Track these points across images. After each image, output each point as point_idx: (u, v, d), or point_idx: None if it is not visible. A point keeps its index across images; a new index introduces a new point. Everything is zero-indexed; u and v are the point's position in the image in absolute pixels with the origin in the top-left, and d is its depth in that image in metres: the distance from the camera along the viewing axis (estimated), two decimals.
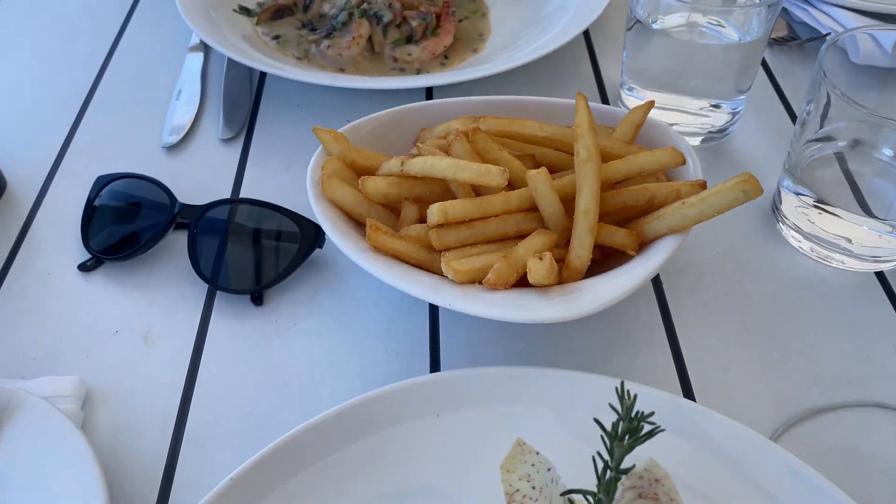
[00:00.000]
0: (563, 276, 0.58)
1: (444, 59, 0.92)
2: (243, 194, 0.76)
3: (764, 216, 0.73)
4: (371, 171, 0.66)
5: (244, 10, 0.94)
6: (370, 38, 0.90)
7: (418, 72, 0.89)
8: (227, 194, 0.76)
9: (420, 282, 0.56)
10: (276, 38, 0.91)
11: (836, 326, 0.64)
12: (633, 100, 0.82)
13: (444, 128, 0.69)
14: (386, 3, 0.91)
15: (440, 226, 0.59)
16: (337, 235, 0.59)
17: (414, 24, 0.91)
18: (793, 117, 0.84)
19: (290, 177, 0.78)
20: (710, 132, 0.80)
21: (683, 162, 0.61)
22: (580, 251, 0.57)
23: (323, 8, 0.92)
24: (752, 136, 0.82)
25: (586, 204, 0.58)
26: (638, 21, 0.77)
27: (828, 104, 0.65)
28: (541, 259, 0.54)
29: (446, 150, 0.65)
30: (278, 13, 0.93)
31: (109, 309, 0.67)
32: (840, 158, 0.72)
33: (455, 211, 0.58)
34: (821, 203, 0.67)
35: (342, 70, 0.88)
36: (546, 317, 0.52)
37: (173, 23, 0.96)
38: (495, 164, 0.63)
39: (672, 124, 0.79)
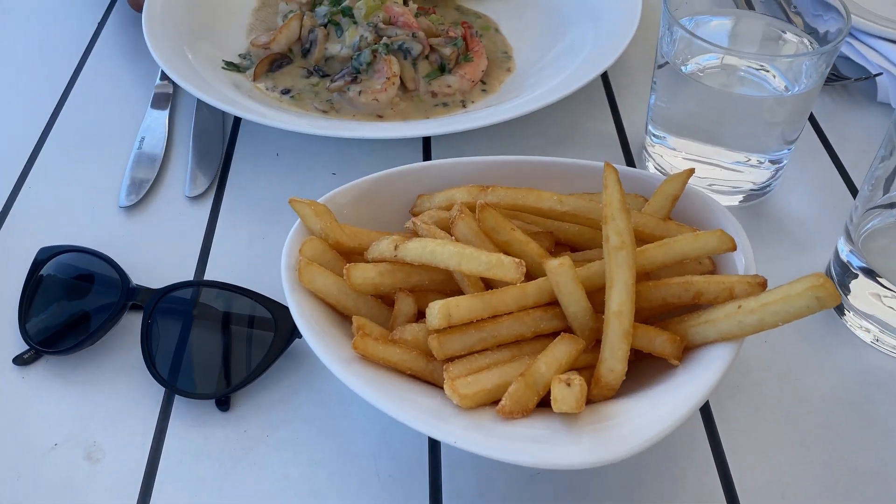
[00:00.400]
0: (593, 392, 0.48)
1: (483, 84, 0.82)
2: (211, 266, 0.66)
3: None
4: (359, 252, 0.55)
5: (232, 66, 0.82)
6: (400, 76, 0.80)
7: (462, 103, 0.80)
8: (191, 266, 0.65)
9: (418, 406, 0.46)
10: (286, 91, 0.79)
11: None
12: (660, 149, 0.72)
13: (445, 197, 0.58)
14: (408, 33, 0.80)
15: (442, 329, 0.48)
16: (316, 341, 0.48)
17: (447, 51, 0.81)
18: (839, 168, 0.74)
19: (266, 245, 0.67)
20: (751, 190, 0.70)
21: (734, 248, 0.51)
22: (613, 364, 0.47)
23: (328, 50, 0.81)
24: (796, 192, 0.72)
25: (620, 304, 0.47)
26: (668, 62, 0.67)
27: None
28: (569, 385, 0.43)
29: (448, 227, 0.54)
30: (275, 63, 0.81)
31: (48, 414, 0.56)
32: None
33: (460, 312, 0.48)
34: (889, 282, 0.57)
35: (380, 117, 0.77)
36: (575, 462, 0.42)
37: (137, 59, 0.86)
38: (506, 245, 0.53)
39: (708, 184, 0.69)
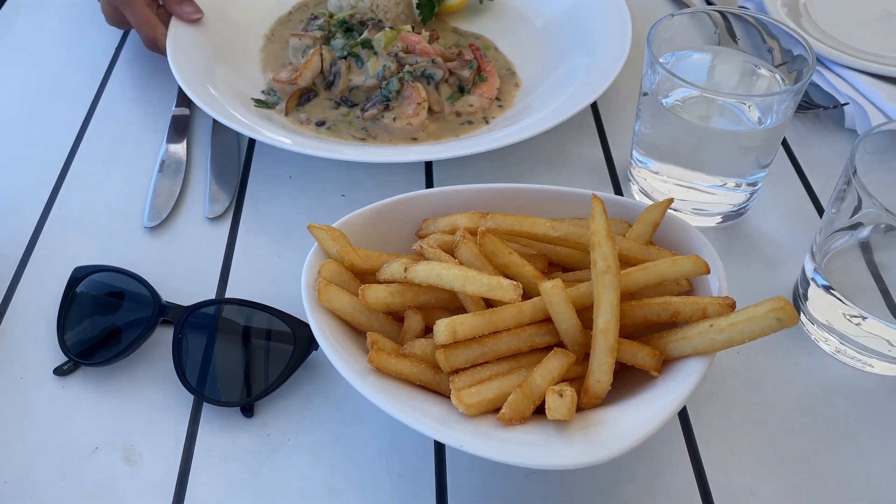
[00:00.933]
0: (582, 401, 0.54)
1: (498, 100, 0.90)
2: (231, 283, 0.71)
3: None
4: (371, 273, 0.61)
5: (262, 104, 0.87)
6: None
7: (485, 120, 0.87)
8: (214, 283, 0.71)
9: (428, 414, 0.52)
10: (322, 123, 0.84)
11: (871, 440, 0.60)
12: (644, 172, 0.78)
13: (448, 222, 0.64)
14: (428, 60, 0.87)
15: (448, 344, 0.54)
16: (334, 355, 0.54)
17: (465, 73, 0.88)
18: (808, 190, 0.81)
19: (282, 263, 0.73)
20: (729, 211, 0.76)
21: (707, 271, 0.57)
22: (600, 375, 0.53)
23: (352, 81, 0.87)
24: (769, 213, 0.78)
25: (606, 322, 0.53)
26: (650, 94, 0.73)
27: (860, 200, 0.61)
28: (561, 396, 0.49)
29: (451, 250, 0.60)
30: (303, 97, 0.87)
31: (88, 420, 0.62)
32: (865, 247, 0.68)
33: (464, 329, 0.54)
34: (851, 302, 0.63)
35: (414, 139, 0.84)
36: (567, 463, 0.48)
37: (153, 86, 0.92)
38: (505, 268, 0.59)
39: (691, 207, 0.75)
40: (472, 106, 0.87)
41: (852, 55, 0.89)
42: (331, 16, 0.94)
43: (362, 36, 0.89)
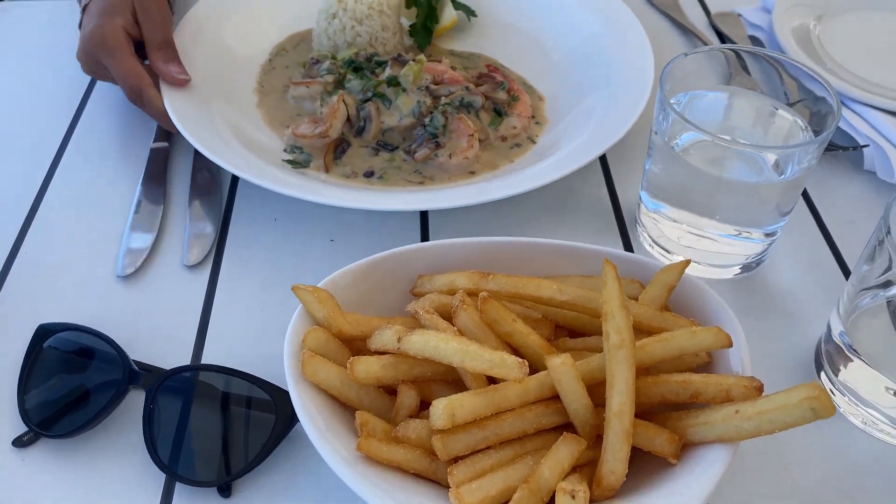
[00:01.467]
0: (594, 493, 0.49)
1: (533, 117, 0.86)
2: (210, 339, 0.66)
3: (805, 369, 0.64)
4: (361, 340, 0.56)
5: (297, 164, 0.79)
6: None
7: (531, 140, 0.83)
8: (191, 339, 0.66)
9: None
10: (370, 174, 0.78)
11: None
12: (654, 216, 0.73)
13: (446, 282, 0.59)
14: (461, 88, 0.82)
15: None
16: (320, 440, 0.49)
17: (500, 95, 0.84)
18: (826, 237, 0.76)
19: (263, 318, 0.67)
20: (746, 262, 0.71)
21: (730, 344, 0.52)
22: (614, 465, 0.48)
23: (384, 123, 0.80)
24: (787, 264, 0.73)
25: (620, 404, 0.48)
26: (659, 133, 0.68)
27: (892, 260, 0.56)
28: (573, 497, 0.44)
29: (449, 314, 0.55)
30: (338, 150, 0.80)
31: (48, 499, 0.56)
32: (894, 307, 0.63)
33: (464, 412, 0.49)
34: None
35: (472, 173, 0.79)
36: None
37: (131, 116, 0.86)
38: (508, 337, 0.54)
39: (711, 261, 0.70)
40: (515, 128, 0.83)
41: (871, 91, 0.84)
42: (333, 57, 0.88)
43: (386, 73, 0.82)
